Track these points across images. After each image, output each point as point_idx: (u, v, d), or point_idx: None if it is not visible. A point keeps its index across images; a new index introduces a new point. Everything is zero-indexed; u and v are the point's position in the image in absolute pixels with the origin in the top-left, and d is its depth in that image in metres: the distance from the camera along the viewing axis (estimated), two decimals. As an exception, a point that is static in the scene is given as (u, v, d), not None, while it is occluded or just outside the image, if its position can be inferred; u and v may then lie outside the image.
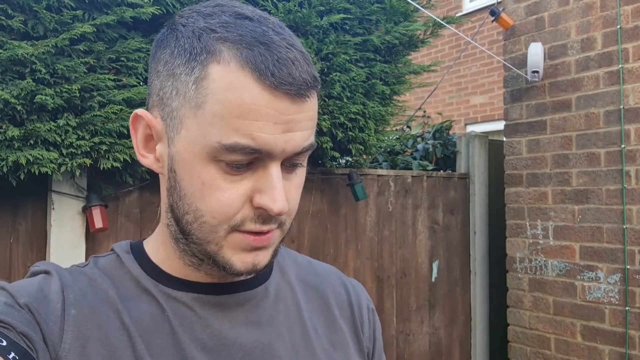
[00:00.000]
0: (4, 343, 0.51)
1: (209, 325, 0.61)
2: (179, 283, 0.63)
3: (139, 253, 0.66)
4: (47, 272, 0.61)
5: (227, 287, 0.64)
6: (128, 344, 0.57)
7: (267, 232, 0.59)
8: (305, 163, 0.62)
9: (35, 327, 0.55)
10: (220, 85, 0.54)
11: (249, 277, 0.66)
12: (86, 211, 2.12)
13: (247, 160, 0.55)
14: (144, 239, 0.69)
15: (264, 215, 0.57)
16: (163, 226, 0.65)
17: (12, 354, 0.50)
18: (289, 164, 0.58)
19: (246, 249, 0.59)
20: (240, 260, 0.59)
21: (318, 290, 0.74)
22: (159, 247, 0.66)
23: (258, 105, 0.53)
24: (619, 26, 2.86)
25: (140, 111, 0.61)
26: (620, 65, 2.85)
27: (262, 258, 0.60)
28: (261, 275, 0.68)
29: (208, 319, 0.62)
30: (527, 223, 3.27)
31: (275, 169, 0.56)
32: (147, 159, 0.62)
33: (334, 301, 0.74)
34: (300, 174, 0.61)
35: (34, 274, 0.62)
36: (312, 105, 0.57)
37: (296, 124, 0.55)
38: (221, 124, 0.54)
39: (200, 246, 0.60)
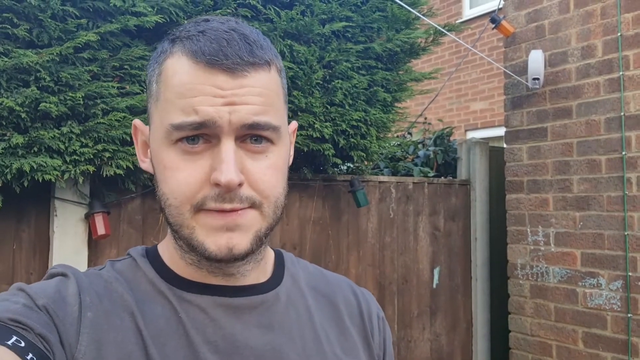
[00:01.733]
0: (22, 344, 0.52)
1: (221, 327, 0.62)
2: (192, 286, 0.64)
3: (153, 257, 0.67)
4: (64, 275, 0.62)
5: (239, 290, 0.65)
6: (142, 347, 0.58)
7: (231, 210, 0.59)
8: (281, 148, 0.63)
9: (52, 329, 0.55)
10: (169, 74, 0.60)
11: (247, 266, 0.66)
12: (89, 218, 2.12)
13: (197, 134, 0.58)
14: (159, 243, 0.70)
15: (223, 193, 0.58)
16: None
17: (30, 355, 0.51)
18: (250, 139, 0.60)
19: (217, 228, 0.59)
20: (214, 242, 0.59)
21: (329, 298, 0.75)
22: (167, 250, 0.68)
23: (196, 83, 0.58)
24: (619, 34, 2.88)
25: (135, 121, 0.69)
26: (620, 73, 2.86)
27: (237, 241, 0.59)
28: (272, 281, 0.69)
29: (220, 321, 0.63)
30: (528, 229, 3.27)
31: (227, 144, 0.58)
32: (145, 164, 0.68)
33: (344, 309, 0.75)
34: (273, 157, 0.62)
35: (52, 276, 0.63)
36: (257, 82, 0.59)
37: (239, 98, 0.58)
38: (170, 107, 0.59)
39: (178, 233, 0.61)
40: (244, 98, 0.58)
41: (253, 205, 0.60)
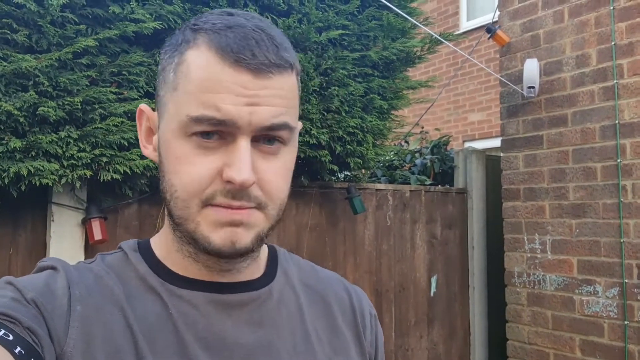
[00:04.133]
0: (11, 337, 0.51)
1: (212, 324, 0.62)
2: (185, 281, 0.64)
3: (146, 251, 0.67)
4: (53, 268, 0.62)
5: (232, 287, 0.65)
6: (131, 342, 0.58)
7: (239, 208, 0.59)
8: (291, 148, 0.63)
9: (41, 323, 0.55)
10: (192, 67, 0.59)
11: (244, 263, 0.66)
12: (86, 223, 2.13)
13: (213, 130, 0.58)
14: (151, 237, 0.70)
15: (234, 190, 0.58)
16: (167, 219, 0.66)
17: (18, 349, 0.51)
18: (264, 140, 0.60)
19: (222, 223, 0.59)
20: (219, 236, 0.59)
21: (321, 295, 0.74)
22: (162, 242, 0.67)
23: (221, 80, 0.57)
24: (613, 42, 2.91)
25: (142, 106, 0.68)
26: (615, 81, 2.89)
27: (241, 236, 0.60)
28: (265, 278, 0.69)
29: (211, 317, 0.62)
30: (525, 237, 3.28)
31: (243, 143, 0.58)
32: (147, 150, 0.67)
33: (336, 305, 0.74)
34: (284, 159, 0.62)
35: (41, 270, 0.63)
36: (280, 83, 0.59)
37: (261, 99, 0.58)
38: (190, 99, 0.58)
39: (181, 226, 0.61)
40: (265, 99, 0.58)
41: (259, 205, 0.60)
